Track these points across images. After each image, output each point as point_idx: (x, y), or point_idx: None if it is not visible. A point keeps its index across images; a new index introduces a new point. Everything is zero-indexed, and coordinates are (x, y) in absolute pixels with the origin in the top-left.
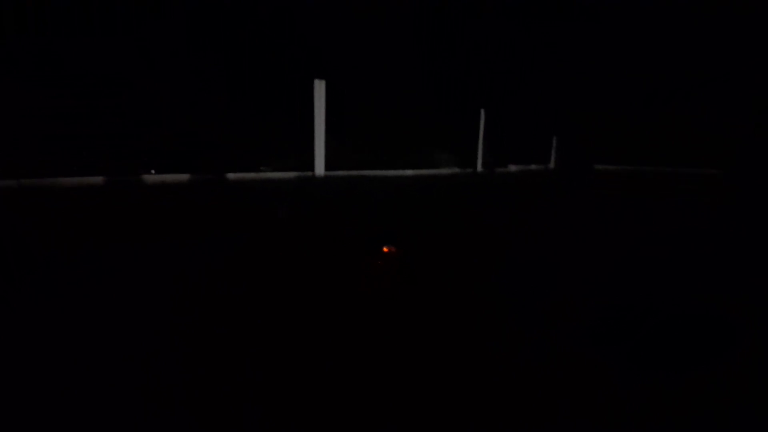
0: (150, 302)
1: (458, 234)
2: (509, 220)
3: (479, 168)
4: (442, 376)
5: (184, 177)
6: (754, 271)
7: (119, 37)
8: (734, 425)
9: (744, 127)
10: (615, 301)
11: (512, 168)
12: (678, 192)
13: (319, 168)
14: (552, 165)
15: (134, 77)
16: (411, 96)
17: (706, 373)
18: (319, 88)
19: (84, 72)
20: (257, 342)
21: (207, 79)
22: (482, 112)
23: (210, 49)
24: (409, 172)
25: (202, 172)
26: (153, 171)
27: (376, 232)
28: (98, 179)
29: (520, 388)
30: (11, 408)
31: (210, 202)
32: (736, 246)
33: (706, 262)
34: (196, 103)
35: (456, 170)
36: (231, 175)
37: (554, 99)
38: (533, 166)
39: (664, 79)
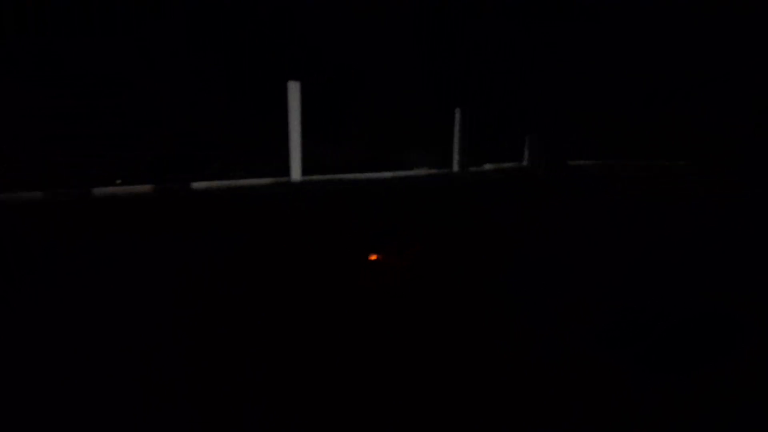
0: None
1: (461, 234)
2: (519, 219)
3: (455, 168)
4: (453, 374)
5: (145, 188)
6: (764, 272)
7: (119, 37)
8: (746, 428)
9: (744, 127)
10: (627, 303)
11: (487, 167)
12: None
13: (296, 173)
14: (525, 162)
15: (134, 77)
16: (385, 96)
17: (719, 375)
18: (294, 89)
19: (84, 72)
20: (257, 342)
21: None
22: (457, 111)
23: (207, 50)
24: (386, 174)
25: (167, 182)
26: (119, 181)
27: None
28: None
29: (532, 388)
30: (12, 400)
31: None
32: (746, 247)
33: (717, 264)
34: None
35: (433, 171)
36: (196, 185)
37: (526, 96)
38: (507, 165)
39: (664, 79)
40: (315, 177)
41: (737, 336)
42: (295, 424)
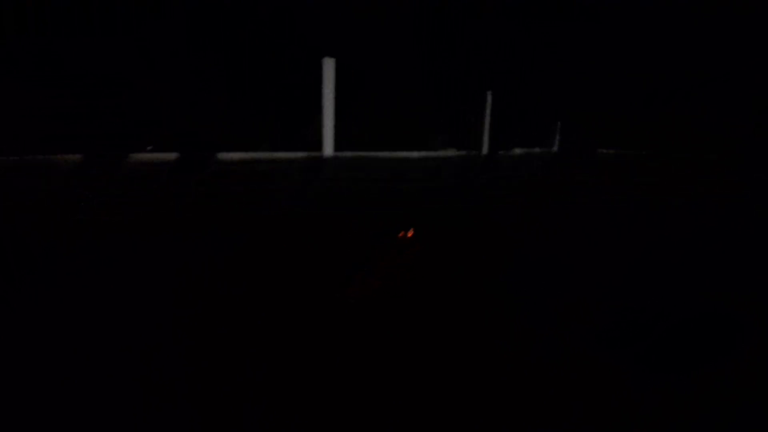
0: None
1: (468, 228)
2: (520, 218)
3: (484, 151)
4: (453, 374)
5: (173, 156)
6: (764, 272)
7: (119, 37)
8: (746, 428)
9: (744, 127)
10: (627, 303)
11: (517, 151)
12: (683, 185)
13: (328, 149)
14: (555, 148)
15: (135, 77)
16: (420, 77)
17: (719, 375)
18: (329, 66)
19: (84, 72)
20: (257, 342)
21: (213, 61)
22: (488, 94)
23: (216, 35)
24: (415, 154)
25: (199, 151)
26: (150, 147)
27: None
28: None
29: (532, 388)
30: (12, 400)
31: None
32: (746, 247)
33: (717, 264)
34: (201, 83)
35: (463, 153)
36: (232, 155)
37: (559, 84)
38: (537, 149)
39: (664, 79)
40: (346, 153)
41: (737, 336)
42: (295, 424)
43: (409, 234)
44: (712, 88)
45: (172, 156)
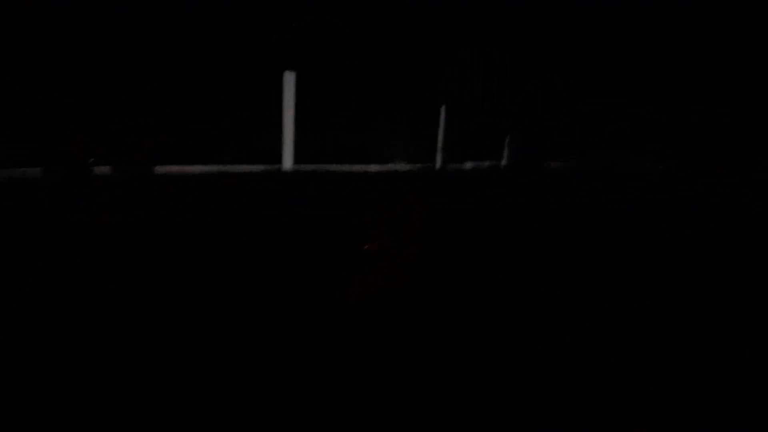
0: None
1: (468, 228)
2: (520, 218)
3: (438, 164)
4: (453, 374)
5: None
6: (764, 272)
7: (119, 37)
8: (746, 428)
9: (744, 127)
10: (627, 303)
11: (468, 164)
12: (683, 185)
13: (287, 162)
14: (505, 161)
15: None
16: (376, 92)
17: (719, 375)
18: (289, 80)
19: (84, 72)
20: (257, 342)
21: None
22: (442, 108)
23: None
24: (373, 167)
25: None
26: (92, 160)
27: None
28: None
29: (532, 388)
30: (12, 400)
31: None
32: (746, 247)
33: (717, 264)
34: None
35: (417, 165)
36: (175, 169)
37: (511, 97)
38: (486, 163)
39: (664, 79)
40: (305, 167)
41: (737, 336)
42: (295, 424)
43: (374, 246)
44: (712, 88)
45: (106, 170)
